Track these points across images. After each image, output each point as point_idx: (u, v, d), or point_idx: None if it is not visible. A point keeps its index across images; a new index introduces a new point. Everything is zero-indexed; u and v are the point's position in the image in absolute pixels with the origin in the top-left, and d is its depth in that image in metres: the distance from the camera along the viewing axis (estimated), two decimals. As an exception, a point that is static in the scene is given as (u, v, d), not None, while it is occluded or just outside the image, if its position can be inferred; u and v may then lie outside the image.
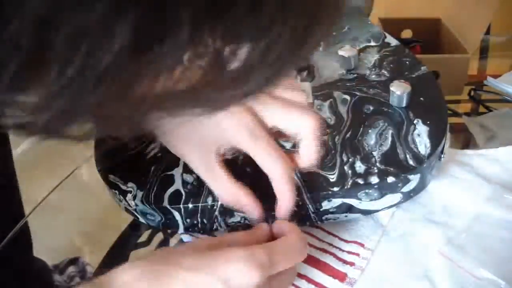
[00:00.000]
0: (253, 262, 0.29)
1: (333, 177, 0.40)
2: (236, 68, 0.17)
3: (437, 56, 0.69)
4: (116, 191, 0.43)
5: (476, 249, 0.40)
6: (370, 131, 0.44)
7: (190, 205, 0.41)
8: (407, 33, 0.78)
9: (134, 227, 0.49)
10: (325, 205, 0.41)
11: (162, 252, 0.34)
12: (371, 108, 0.47)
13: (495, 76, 0.64)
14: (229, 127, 0.34)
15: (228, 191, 0.37)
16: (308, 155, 0.36)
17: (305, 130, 0.35)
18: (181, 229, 0.43)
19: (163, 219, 0.42)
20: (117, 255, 0.48)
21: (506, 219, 0.42)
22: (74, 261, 0.54)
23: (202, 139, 0.35)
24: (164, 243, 0.48)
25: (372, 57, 0.53)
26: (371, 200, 0.41)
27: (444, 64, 0.64)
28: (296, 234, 0.34)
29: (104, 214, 0.56)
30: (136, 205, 0.42)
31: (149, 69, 0.15)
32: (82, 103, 0.16)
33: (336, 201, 0.40)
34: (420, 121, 0.44)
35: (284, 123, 0.35)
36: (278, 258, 0.31)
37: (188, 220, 0.42)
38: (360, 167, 0.41)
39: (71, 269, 0.56)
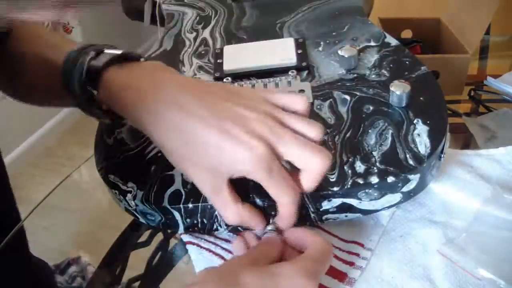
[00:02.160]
0: (307, 274, 0.33)
1: (333, 177, 0.40)
2: None
3: (437, 56, 0.69)
4: (116, 191, 0.43)
5: (476, 249, 0.40)
6: (370, 131, 0.44)
7: (190, 205, 0.41)
8: (407, 33, 0.78)
9: (134, 227, 0.49)
10: (325, 205, 0.41)
11: (220, 271, 0.35)
12: (371, 108, 0.47)
13: (495, 76, 0.64)
14: (247, 161, 0.35)
15: (231, 213, 0.38)
16: (308, 185, 0.37)
17: (312, 167, 0.36)
18: (181, 229, 0.43)
19: (163, 219, 0.42)
20: (117, 255, 0.48)
21: (506, 219, 0.42)
22: (75, 260, 0.55)
23: (216, 166, 0.36)
24: (164, 243, 0.48)
25: (372, 57, 0.53)
26: (371, 200, 0.41)
27: (444, 64, 0.64)
28: (320, 239, 0.37)
29: (104, 214, 0.56)
30: (136, 205, 0.42)
31: None
32: None
33: (336, 201, 0.40)
34: (420, 121, 0.44)
35: (296, 158, 0.36)
36: (321, 266, 0.35)
37: (188, 220, 0.42)
38: (360, 167, 0.41)
39: (72, 269, 0.56)
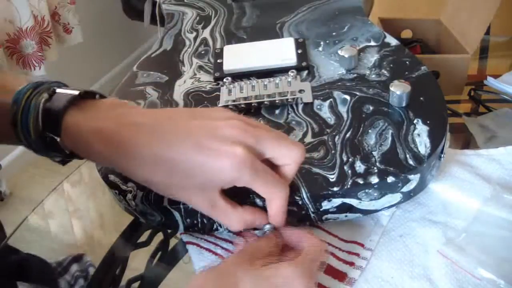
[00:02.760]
0: (306, 276, 0.34)
1: (333, 177, 0.40)
2: None
3: (437, 56, 0.69)
4: (116, 191, 0.43)
5: (476, 249, 0.40)
6: (370, 131, 0.44)
7: (190, 205, 0.41)
8: (407, 33, 0.78)
9: (134, 227, 0.49)
10: (325, 205, 0.41)
11: (217, 272, 0.36)
12: (371, 108, 0.47)
13: (495, 76, 0.64)
14: (231, 168, 0.35)
15: (235, 220, 0.38)
16: (290, 177, 0.38)
17: (291, 159, 0.37)
18: (181, 229, 0.43)
19: (163, 219, 0.42)
20: (117, 255, 0.48)
21: (506, 219, 0.42)
22: (77, 258, 0.54)
23: (204, 183, 0.36)
24: (164, 243, 0.48)
25: (372, 57, 0.53)
26: (371, 200, 0.41)
27: (444, 64, 0.64)
28: (317, 240, 0.38)
29: (104, 214, 0.56)
30: (136, 205, 0.42)
31: None
32: None
33: (336, 201, 0.40)
34: (420, 121, 0.44)
35: (276, 154, 0.37)
36: (317, 265, 0.36)
37: (188, 220, 0.42)
38: (360, 167, 0.41)
39: (74, 268, 0.56)
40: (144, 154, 0.36)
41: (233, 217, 0.38)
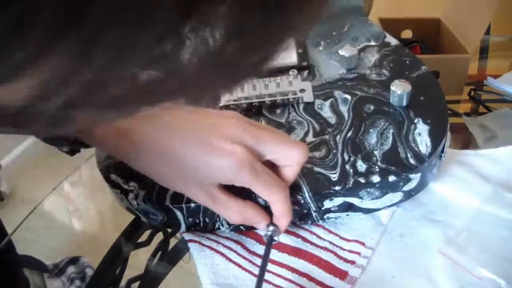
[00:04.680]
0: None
1: (334, 176, 0.40)
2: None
3: (437, 56, 0.70)
4: (118, 191, 0.43)
5: (476, 248, 0.40)
6: (371, 130, 0.44)
7: (192, 204, 0.41)
8: (407, 33, 0.78)
9: (135, 227, 0.49)
10: (327, 204, 0.41)
11: None
12: (372, 107, 0.47)
13: (495, 76, 0.64)
14: (230, 166, 0.35)
15: (234, 213, 0.38)
16: (290, 178, 0.38)
17: (293, 161, 0.37)
18: (183, 228, 0.43)
19: (165, 218, 0.42)
20: (117, 255, 0.48)
21: (506, 219, 0.42)
22: (74, 260, 0.54)
23: (203, 178, 0.37)
24: (164, 242, 0.48)
25: (372, 57, 0.53)
26: (372, 199, 0.41)
27: (444, 64, 0.64)
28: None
29: (104, 213, 0.56)
30: (138, 204, 0.42)
31: None
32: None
33: (338, 200, 0.40)
34: (420, 120, 0.44)
35: (277, 155, 0.37)
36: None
37: (190, 219, 0.42)
38: (361, 166, 0.41)
39: (71, 270, 0.56)
40: (148, 144, 0.36)
41: (232, 209, 0.38)
